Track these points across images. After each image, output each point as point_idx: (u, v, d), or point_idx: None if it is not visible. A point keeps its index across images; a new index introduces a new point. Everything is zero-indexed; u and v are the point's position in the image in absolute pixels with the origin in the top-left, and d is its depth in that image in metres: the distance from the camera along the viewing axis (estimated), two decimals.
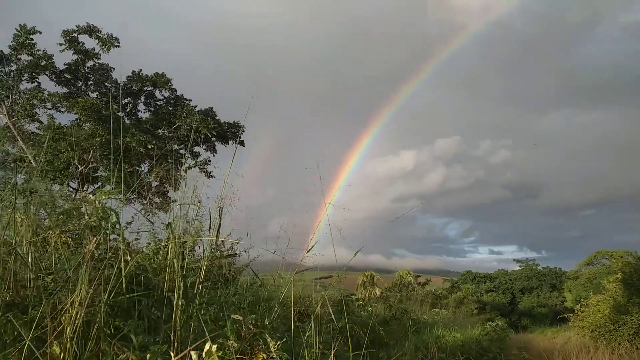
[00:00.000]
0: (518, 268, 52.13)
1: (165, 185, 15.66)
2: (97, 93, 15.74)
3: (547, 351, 11.81)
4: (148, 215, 13.98)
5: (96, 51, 14.85)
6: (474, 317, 33.49)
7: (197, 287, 3.79)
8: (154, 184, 15.77)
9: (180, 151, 18.67)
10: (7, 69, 13.90)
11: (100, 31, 14.73)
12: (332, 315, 4.26)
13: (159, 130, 16.74)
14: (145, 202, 15.72)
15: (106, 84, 15.63)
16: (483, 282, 51.27)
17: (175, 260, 2.98)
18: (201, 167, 19.02)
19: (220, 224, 4.49)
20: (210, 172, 19.20)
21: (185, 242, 3.57)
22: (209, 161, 19.09)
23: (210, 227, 4.61)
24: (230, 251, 8.43)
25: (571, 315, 15.57)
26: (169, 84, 16.11)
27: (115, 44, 14.88)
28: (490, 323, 12.61)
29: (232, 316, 2.83)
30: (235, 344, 2.64)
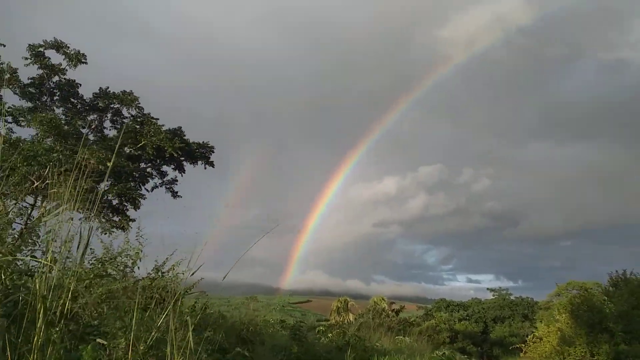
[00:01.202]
0: (491, 297, 52.39)
1: (125, 204, 15.49)
2: (62, 108, 15.63)
3: None
4: (105, 233, 13.64)
5: (62, 67, 14.79)
6: (437, 345, 33.37)
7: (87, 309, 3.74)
8: (114, 202, 15.61)
9: (148, 170, 18.55)
10: None
11: (68, 47, 14.73)
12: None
13: (125, 149, 16.62)
14: (103, 220, 15.54)
15: (72, 99, 15.54)
16: (457, 310, 51.30)
17: (37, 280, 2.92)
18: (168, 186, 18.88)
19: None
20: (177, 192, 19.10)
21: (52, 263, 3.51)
22: (176, 181, 18.98)
23: None
24: (170, 274, 8.35)
25: (523, 345, 15.71)
26: (136, 102, 16.07)
27: (82, 60, 14.88)
28: (438, 352, 12.59)
29: (97, 340, 2.79)
30: None
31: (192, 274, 8.01)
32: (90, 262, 6.81)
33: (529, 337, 15.53)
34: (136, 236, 7.48)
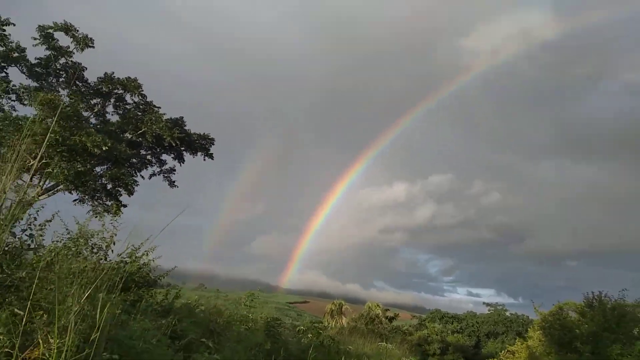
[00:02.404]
0: (487, 312, 52.02)
1: (119, 189, 15.75)
2: (67, 90, 15.94)
3: None
4: (96, 217, 14.03)
5: (70, 49, 15.10)
6: (424, 355, 33.26)
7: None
8: (108, 186, 15.88)
9: (148, 157, 18.82)
10: None
11: (77, 30, 15.05)
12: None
13: (126, 134, 16.89)
14: (96, 203, 15.81)
15: (77, 82, 15.85)
16: (450, 322, 51.02)
17: None
18: (166, 175, 19.13)
19: None
20: (174, 181, 19.34)
21: None
22: (174, 170, 19.22)
23: None
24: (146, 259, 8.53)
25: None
26: (139, 89, 16.34)
27: (90, 44, 15.19)
28: (404, 358, 12.65)
29: (12, 309, 2.94)
30: (3, 338, 2.76)
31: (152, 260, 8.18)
32: (62, 241, 7.02)
33: (502, 352, 15.58)
34: (110, 220, 7.68)
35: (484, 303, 53.92)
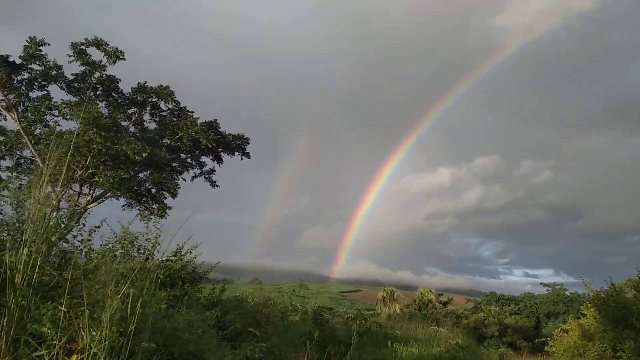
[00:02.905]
0: (545, 292, 50.27)
1: (163, 192, 16.19)
2: (104, 102, 16.51)
3: None
4: (143, 220, 14.33)
5: (102, 63, 15.60)
6: (483, 338, 32.51)
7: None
8: (152, 190, 16.36)
9: (188, 160, 19.26)
10: (19, 78, 14.81)
11: (107, 44, 15.52)
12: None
13: (164, 140, 17.32)
14: (142, 207, 16.31)
15: (113, 94, 16.37)
16: (507, 304, 49.64)
17: (6, 254, 3.11)
18: (206, 176, 19.53)
19: None
20: (215, 182, 19.71)
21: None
22: (214, 171, 19.59)
23: None
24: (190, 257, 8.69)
25: (549, 339, 15.14)
26: (172, 96, 16.69)
27: (120, 57, 15.63)
28: (451, 341, 12.36)
29: (56, 304, 3.01)
30: (50, 331, 2.83)
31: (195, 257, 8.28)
32: (109, 244, 7.26)
33: (556, 330, 14.93)
34: (154, 222, 7.89)
35: (541, 283, 52.03)
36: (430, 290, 47.09)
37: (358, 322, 13.54)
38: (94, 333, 3.01)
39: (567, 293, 48.54)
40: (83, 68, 15.54)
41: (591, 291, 14.22)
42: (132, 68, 18.25)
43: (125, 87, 16.72)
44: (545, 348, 15.34)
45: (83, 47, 15.24)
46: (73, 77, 15.58)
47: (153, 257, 7.86)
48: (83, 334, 3.01)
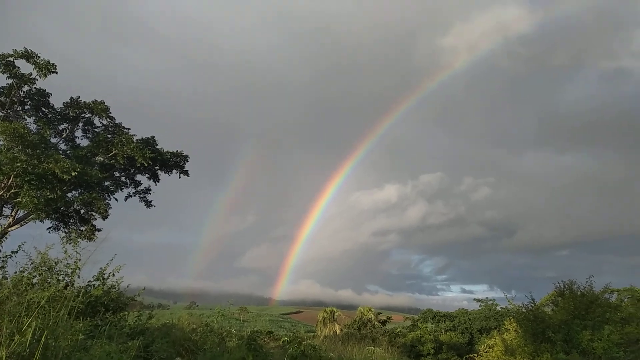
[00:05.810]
0: (479, 307, 52.22)
1: (92, 213, 15.55)
2: (33, 117, 15.75)
3: None
4: (70, 243, 13.81)
5: (32, 76, 14.94)
6: (417, 356, 33.31)
7: None
8: (81, 211, 15.68)
9: (122, 179, 18.63)
10: None
11: (38, 56, 14.89)
12: None
13: (97, 158, 16.72)
14: (70, 229, 15.61)
15: (42, 109, 15.67)
16: (443, 321, 51.09)
17: None
18: (141, 195, 18.96)
19: None
20: (151, 202, 19.16)
21: None
22: (150, 190, 19.06)
23: None
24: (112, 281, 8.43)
25: (476, 355, 15.85)
26: (107, 112, 16.21)
27: (52, 69, 15.03)
28: None
29: None
30: None
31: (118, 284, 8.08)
32: (26, 271, 6.91)
33: (482, 346, 15.68)
34: (73, 247, 7.60)
35: (474, 299, 54.11)
36: (369, 309, 47.69)
37: (293, 346, 13.51)
38: None
39: (498, 308, 50.68)
40: (10, 81, 14.79)
41: (513, 306, 15.02)
42: (64, 74, 17.46)
43: (57, 101, 16.07)
44: None
45: (11, 59, 14.53)
46: None
47: (73, 284, 7.55)
48: None
